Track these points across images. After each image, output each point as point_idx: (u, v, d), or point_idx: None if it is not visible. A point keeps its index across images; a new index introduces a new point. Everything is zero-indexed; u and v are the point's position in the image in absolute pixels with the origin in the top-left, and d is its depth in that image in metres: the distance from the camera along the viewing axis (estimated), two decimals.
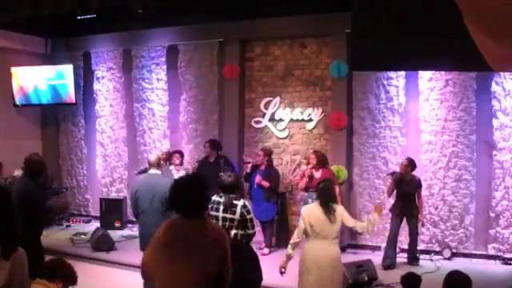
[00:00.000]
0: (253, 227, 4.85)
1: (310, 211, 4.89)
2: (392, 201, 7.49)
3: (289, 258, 4.88)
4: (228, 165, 8.23)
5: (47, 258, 3.88)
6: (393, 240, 7.22)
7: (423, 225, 7.45)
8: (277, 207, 8.05)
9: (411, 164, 7.25)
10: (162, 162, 6.55)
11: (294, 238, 4.91)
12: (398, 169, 7.46)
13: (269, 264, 5.31)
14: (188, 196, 3.18)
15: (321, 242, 4.78)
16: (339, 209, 4.95)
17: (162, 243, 3.18)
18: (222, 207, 4.77)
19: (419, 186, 7.29)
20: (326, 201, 4.88)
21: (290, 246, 4.90)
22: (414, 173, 7.31)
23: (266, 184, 7.84)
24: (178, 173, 8.12)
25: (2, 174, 8.21)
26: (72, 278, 3.51)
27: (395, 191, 7.27)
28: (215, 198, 4.86)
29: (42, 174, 5.72)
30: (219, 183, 4.92)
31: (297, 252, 4.91)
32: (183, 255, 3.09)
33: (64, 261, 3.63)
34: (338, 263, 4.93)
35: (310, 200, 6.92)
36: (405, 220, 7.30)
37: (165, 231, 3.21)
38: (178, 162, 8.46)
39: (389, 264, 7.06)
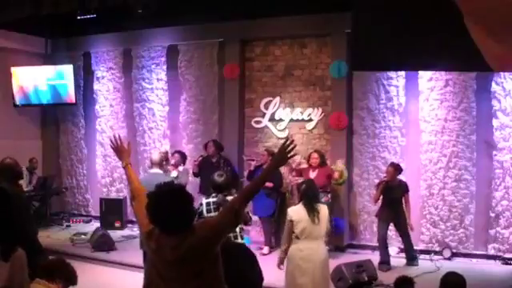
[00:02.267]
0: (250, 218, 5.00)
1: (296, 212, 4.86)
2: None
3: (282, 260, 4.94)
4: (227, 165, 8.23)
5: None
6: (383, 244, 7.16)
7: (412, 229, 7.24)
8: (275, 204, 8.04)
9: (397, 169, 7.20)
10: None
11: (284, 245, 4.91)
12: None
13: (269, 264, 5.29)
14: (168, 210, 2.65)
15: (311, 243, 4.77)
16: (324, 209, 4.92)
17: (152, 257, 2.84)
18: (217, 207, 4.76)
19: (406, 190, 7.20)
20: (310, 202, 4.86)
21: (282, 253, 4.93)
22: (400, 177, 7.25)
23: (270, 185, 7.78)
24: (175, 173, 8.12)
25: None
26: (72, 278, 3.51)
27: (381, 197, 7.18)
28: (210, 199, 4.83)
29: (19, 177, 5.30)
30: (211, 183, 4.89)
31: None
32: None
33: (64, 261, 3.63)
34: (327, 263, 4.96)
35: None
36: (393, 225, 7.26)
37: (151, 248, 2.81)
38: (173, 162, 8.44)
39: (386, 269, 7.00)
